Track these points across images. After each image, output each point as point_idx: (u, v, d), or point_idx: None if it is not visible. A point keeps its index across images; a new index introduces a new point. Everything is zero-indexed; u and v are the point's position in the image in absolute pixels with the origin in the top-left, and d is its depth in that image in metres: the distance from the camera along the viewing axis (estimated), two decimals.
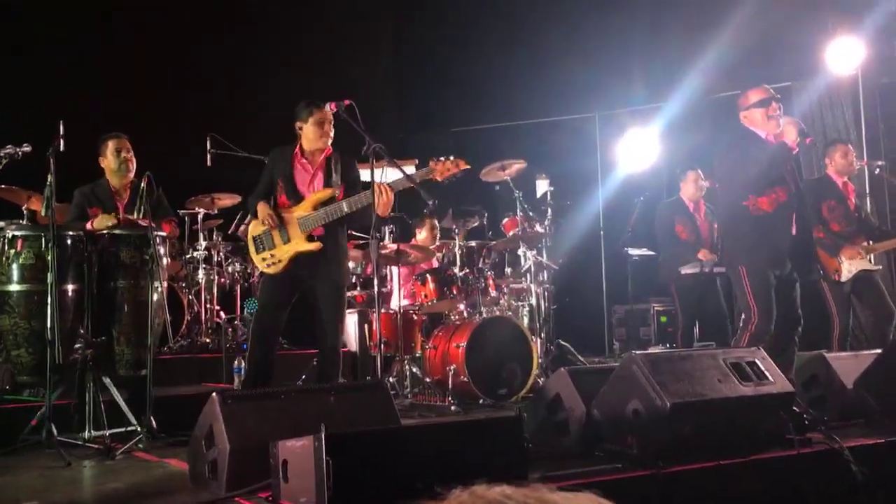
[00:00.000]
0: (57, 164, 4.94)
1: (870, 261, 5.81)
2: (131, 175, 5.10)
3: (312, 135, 4.71)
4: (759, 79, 8.73)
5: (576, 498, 0.74)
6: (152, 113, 7.46)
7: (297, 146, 4.79)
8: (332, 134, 4.75)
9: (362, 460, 2.64)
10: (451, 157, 4.66)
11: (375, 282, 4.47)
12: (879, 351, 4.44)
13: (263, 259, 4.73)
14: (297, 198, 4.74)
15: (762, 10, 8.34)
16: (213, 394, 3.06)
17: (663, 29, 9.31)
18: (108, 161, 5.05)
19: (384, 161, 4.46)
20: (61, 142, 5.17)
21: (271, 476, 2.88)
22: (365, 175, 4.75)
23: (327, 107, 4.62)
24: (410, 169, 7.50)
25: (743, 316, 4.57)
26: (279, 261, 4.69)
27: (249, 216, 5.00)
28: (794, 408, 3.64)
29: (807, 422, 3.68)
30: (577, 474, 3.14)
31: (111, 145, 5.06)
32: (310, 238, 4.68)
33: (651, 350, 7.56)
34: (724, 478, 3.30)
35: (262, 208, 4.72)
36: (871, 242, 5.85)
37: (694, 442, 3.33)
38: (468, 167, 4.79)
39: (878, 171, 6.36)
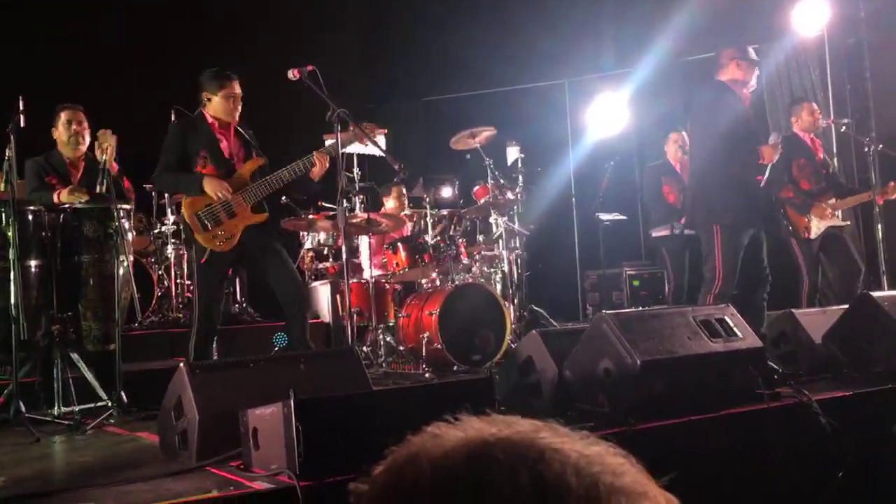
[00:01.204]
0: (17, 140, 4.86)
1: (838, 217, 5.86)
2: (83, 147, 4.97)
3: (220, 107, 4.57)
4: (726, 41, 8.76)
5: (584, 446, 0.72)
6: (118, 86, 7.32)
7: (207, 116, 4.61)
8: (239, 108, 4.63)
9: (332, 425, 2.63)
10: (366, 123, 4.66)
11: (344, 251, 4.42)
12: (846, 306, 4.48)
13: (214, 237, 4.46)
14: (228, 168, 4.56)
15: None
16: (181, 364, 3.02)
17: None
18: (60, 132, 4.94)
19: (356, 130, 4.38)
20: (21, 117, 5.07)
21: (241, 444, 2.86)
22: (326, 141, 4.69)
23: (235, 81, 4.57)
24: (379, 138, 7.46)
25: (707, 276, 4.59)
26: (231, 236, 4.49)
27: (178, 191, 4.70)
28: (764, 363, 3.67)
29: (776, 377, 3.72)
30: None
31: (63, 116, 4.94)
32: (255, 209, 4.57)
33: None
34: (695, 433, 3.32)
35: (212, 181, 4.45)
36: (838, 199, 5.90)
37: (665, 399, 3.36)
38: (383, 131, 4.76)
39: (843, 128, 6.40)
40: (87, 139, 4.98)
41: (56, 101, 5.23)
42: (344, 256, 4.42)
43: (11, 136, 4.75)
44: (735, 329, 3.62)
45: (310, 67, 4.21)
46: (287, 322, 4.67)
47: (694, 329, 3.53)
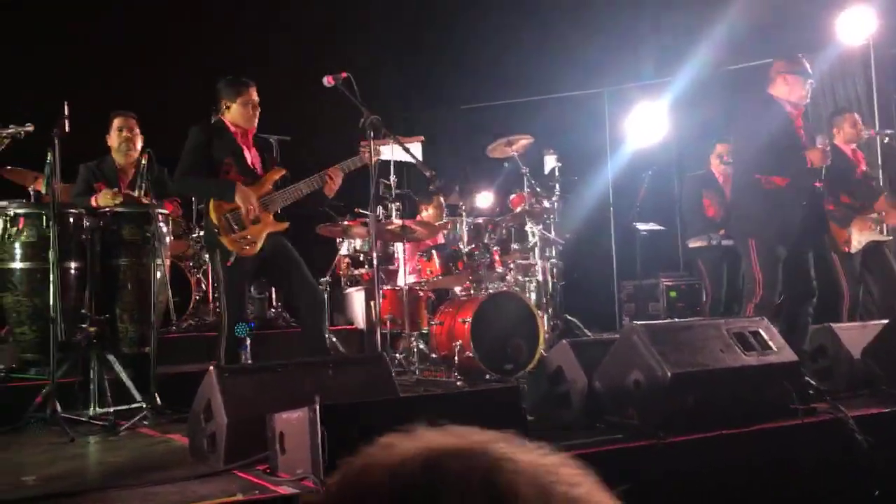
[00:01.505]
0: (62, 144, 4.95)
1: (880, 231, 5.74)
2: (134, 154, 5.09)
3: (239, 115, 4.59)
4: (768, 51, 8.65)
5: (539, 457, 0.73)
6: (161, 92, 7.44)
7: (228, 123, 4.62)
8: (258, 115, 4.65)
9: (358, 431, 2.63)
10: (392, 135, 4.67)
11: (375, 259, 4.43)
12: (886, 321, 4.39)
13: (236, 241, 4.47)
14: (253, 176, 4.59)
15: None
16: (211, 367, 3.06)
17: (672, 1, 9.20)
18: (112, 138, 5.09)
19: (388, 137, 4.41)
20: (66, 122, 5.18)
21: (268, 448, 2.88)
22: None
23: (253, 88, 4.59)
24: (416, 146, 7.48)
25: (748, 287, 4.55)
26: (254, 241, 4.51)
27: (209, 196, 4.57)
28: (799, 377, 3.61)
29: (811, 392, 3.65)
30: (577, 445, 3.12)
31: (115, 123, 5.09)
32: (276, 217, 4.59)
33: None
34: (726, 448, 3.28)
35: (243, 190, 4.45)
36: (881, 213, 5.78)
37: (696, 412, 3.31)
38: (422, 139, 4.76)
39: (887, 139, 6.27)
40: (139, 146, 5.09)
41: (98, 106, 5.33)
42: (375, 263, 4.43)
43: (55, 140, 4.86)
44: (770, 342, 3.57)
45: (344, 74, 4.24)
46: (304, 330, 4.71)
47: (727, 342, 3.49)
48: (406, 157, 5.07)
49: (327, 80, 4.27)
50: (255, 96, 4.64)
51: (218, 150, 4.56)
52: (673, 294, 8.16)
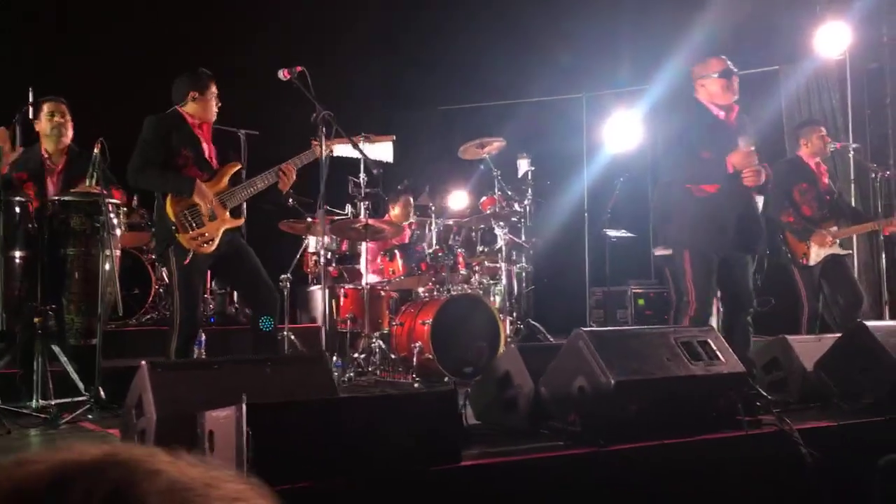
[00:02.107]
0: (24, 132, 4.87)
1: (839, 245, 5.73)
2: (66, 140, 4.86)
3: (204, 108, 4.52)
4: (746, 62, 8.66)
5: (200, 472, 0.68)
6: (123, 81, 7.35)
7: (186, 115, 4.52)
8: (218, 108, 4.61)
9: (287, 432, 2.58)
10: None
11: (322, 257, 4.37)
12: (840, 335, 4.37)
13: (194, 238, 4.36)
14: (209, 170, 4.51)
15: None
16: (143, 362, 2.99)
17: (651, 9, 9.20)
18: (42, 125, 4.82)
19: (342, 137, 4.35)
20: (30, 109, 5.09)
21: (198, 446, 2.81)
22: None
23: (213, 80, 4.55)
24: (386, 145, 7.42)
25: (682, 300, 4.48)
26: (211, 239, 4.41)
27: (166, 190, 4.45)
28: (746, 389, 3.58)
29: (759, 403, 3.62)
30: (516, 451, 3.09)
31: (45, 108, 4.82)
32: (233, 213, 4.51)
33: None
34: (669, 457, 3.23)
35: (202, 187, 4.37)
36: (840, 227, 5.77)
37: (639, 421, 3.27)
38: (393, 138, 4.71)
39: (851, 153, 6.27)
40: (70, 132, 4.91)
41: (57, 94, 5.21)
42: (323, 261, 4.41)
43: (17, 128, 4.77)
44: (718, 353, 3.53)
45: (299, 68, 4.18)
46: (256, 312, 4.60)
47: (674, 351, 3.45)
48: (380, 156, 5.04)
49: (283, 74, 4.22)
50: (215, 89, 4.58)
51: (176, 142, 4.45)
52: (641, 301, 8.15)
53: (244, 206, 4.70)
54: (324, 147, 4.22)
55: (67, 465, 0.65)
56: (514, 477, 2.94)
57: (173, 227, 4.34)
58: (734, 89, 4.53)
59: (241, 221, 4.54)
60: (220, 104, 4.62)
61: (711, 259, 4.42)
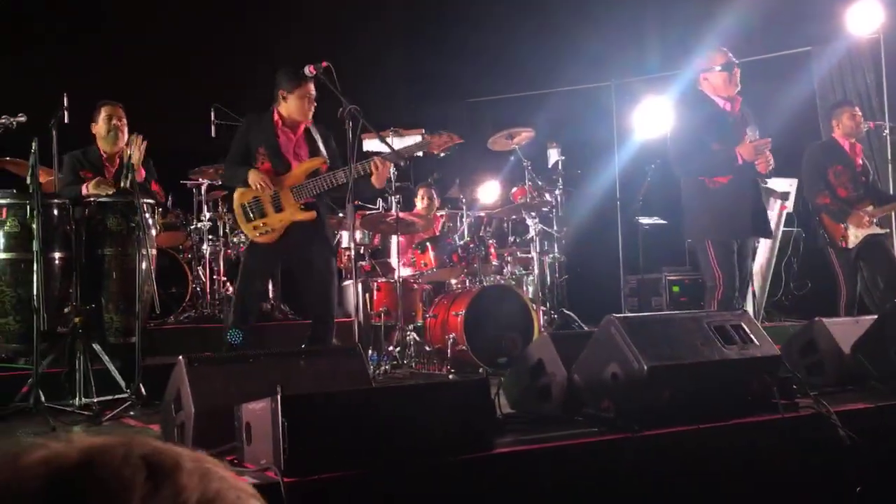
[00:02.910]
0: (58, 135, 4.96)
1: (877, 225, 5.65)
2: (121, 143, 5.07)
3: (294, 107, 4.63)
4: (777, 44, 8.55)
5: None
6: (156, 83, 7.46)
7: (276, 113, 4.68)
8: (313, 109, 4.67)
9: (321, 422, 2.62)
10: (445, 132, 4.65)
11: (352, 251, 4.41)
12: (877, 316, 4.32)
13: (255, 227, 4.61)
14: (284, 166, 4.63)
15: None
16: (180, 357, 3.04)
17: None
18: (100, 127, 5.06)
19: (365, 126, 4.39)
20: (65, 113, 5.20)
21: (236, 439, 2.87)
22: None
23: (311, 82, 4.58)
24: (416, 137, 7.45)
25: (708, 285, 4.61)
26: (272, 230, 4.60)
27: (230, 183, 4.81)
28: (781, 371, 3.56)
29: (795, 386, 3.59)
30: (551, 438, 3.10)
31: (103, 112, 5.06)
32: (303, 207, 4.61)
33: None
34: (703, 442, 3.22)
35: (257, 175, 4.56)
36: (876, 207, 5.69)
37: (673, 406, 3.27)
38: (461, 141, 4.77)
39: (887, 133, 6.17)
40: (126, 135, 5.08)
41: (95, 98, 5.34)
42: (352, 255, 4.45)
43: (54, 132, 4.87)
44: (752, 336, 3.51)
45: (325, 63, 4.23)
46: (312, 325, 4.79)
47: (707, 335, 3.43)
48: (403, 156, 5.06)
49: (308, 70, 4.28)
50: (312, 90, 4.65)
51: (254, 140, 4.67)
52: (676, 289, 8.10)
53: (322, 203, 4.74)
54: (353, 142, 4.27)
55: (97, 441, 0.68)
56: (548, 464, 2.95)
57: (238, 217, 4.65)
58: (736, 81, 4.68)
59: (312, 215, 4.60)
60: (314, 104, 4.68)
61: (731, 244, 4.57)
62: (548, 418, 3.55)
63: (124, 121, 5.15)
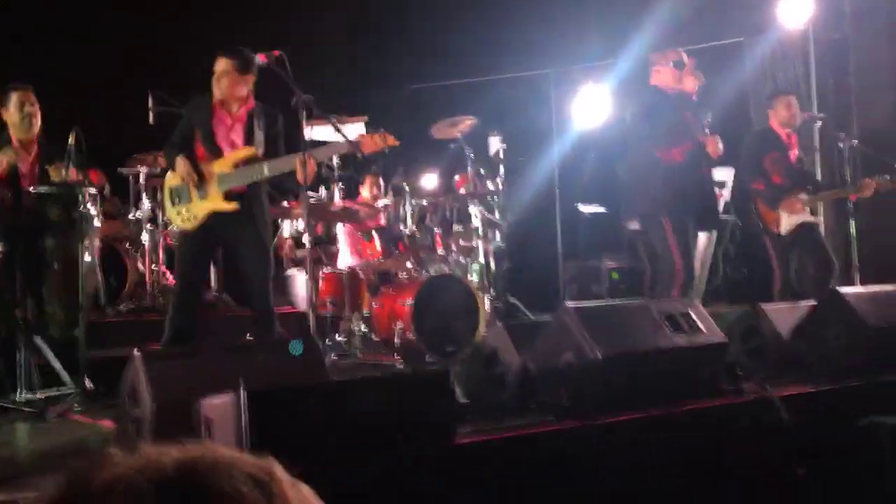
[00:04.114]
0: None
1: (811, 212, 5.85)
2: (35, 129, 4.71)
3: (215, 87, 4.52)
4: (710, 34, 8.75)
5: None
6: (91, 69, 7.25)
7: (213, 96, 4.57)
8: (242, 89, 4.52)
9: (283, 416, 2.61)
10: (381, 132, 4.60)
11: (307, 240, 4.39)
12: (814, 302, 4.48)
13: (178, 213, 4.54)
14: (216, 152, 4.52)
15: None
16: (135, 351, 3.00)
17: None
18: (11, 114, 4.62)
19: (318, 115, 4.34)
20: None
21: (195, 434, 2.83)
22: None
23: (232, 61, 4.46)
24: (359, 126, 7.41)
25: (660, 270, 4.67)
26: (194, 216, 4.49)
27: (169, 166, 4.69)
28: (727, 358, 3.67)
29: (740, 371, 3.71)
30: (507, 428, 3.15)
31: (14, 97, 4.59)
32: (227, 196, 4.48)
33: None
34: (655, 428, 3.32)
35: (182, 163, 4.44)
36: (810, 195, 5.89)
37: (626, 393, 3.35)
38: (396, 143, 4.71)
39: (819, 123, 6.38)
40: (38, 121, 4.76)
41: (10, 79, 5.02)
42: (308, 245, 4.38)
43: None
44: (699, 324, 3.61)
45: (276, 52, 4.15)
46: (254, 316, 4.69)
47: (657, 323, 3.53)
48: (329, 153, 5.04)
49: (260, 59, 4.18)
50: (221, 66, 4.48)
51: (195, 122, 4.61)
52: (615, 275, 8.24)
53: (255, 192, 4.61)
54: (303, 131, 4.22)
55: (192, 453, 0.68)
56: (508, 453, 3.00)
57: (164, 200, 4.64)
58: (692, 76, 4.93)
59: (233, 206, 4.47)
60: (232, 81, 4.51)
61: (688, 225, 4.64)
62: (503, 407, 3.60)
63: (37, 106, 4.75)
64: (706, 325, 3.61)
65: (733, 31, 8.99)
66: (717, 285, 7.28)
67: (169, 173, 4.65)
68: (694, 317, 3.61)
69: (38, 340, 4.27)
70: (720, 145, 4.74)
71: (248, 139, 4.57)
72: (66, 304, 4.28)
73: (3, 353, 4.19)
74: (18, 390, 4.14)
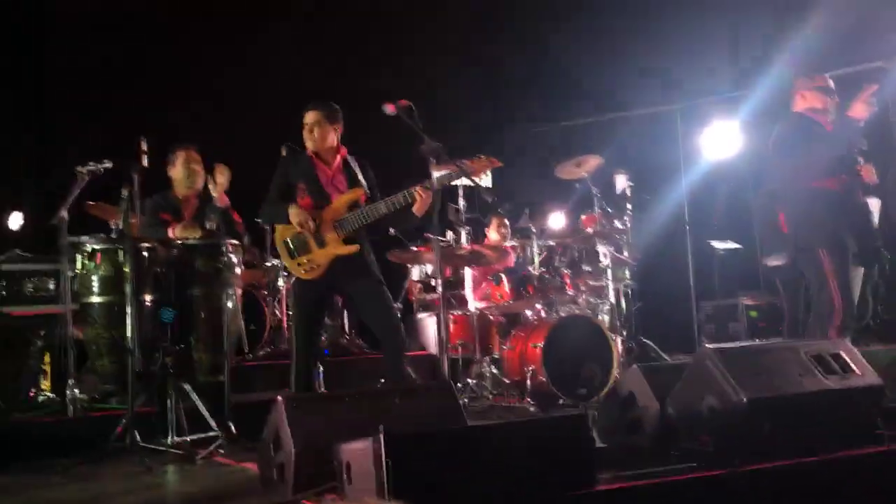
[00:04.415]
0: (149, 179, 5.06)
1: None
2: (198, 185, 5.11)
3: (307, 139, 4.65)
4: (850, 61, 8.40)
5: None
6: (231, 124, 7.62)
7: (308, 147, 4.69)
8: (333, 139, 4.66)
9: (422, 462, 2.62)
10: (482, 155, 4.60)
11: (439, 285, 4.40)
12: None
13: (299, 264, 4.53)
14: (325, 199, 4.60)
15: None
16: (279, 397, 3.09)
17: (746, 13, 9.03)
18: (178, 171, 5.07)
19: (445, 161, 4.38)
20: (144, 157, 5.31)
21: (336, 478, 2.89)
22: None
23: (309, 112, 4.62)
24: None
25: (819, 310, 4.38)
26: (317, 265, 4.52)
27: (270, 221, 4.78)
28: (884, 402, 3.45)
29: None
30: (649, 474, 3.05)
31: (181, 156, 5.09)
32: (346, 241, 4.57)
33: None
34: (806, 477, 3.14)
35: (298, 212, 4.50)
36: None
37: (774, 439, 3.19)
38: (500, 164, 4.71)
39: None
40: (202, 178, 5.14)
41: (172, 139, 5.41)
42: (440, 290, 4.39)
43: (134, 176, 4.97)
44: (852, 365, 3.42)
45: (404, 102, 4.23)
46: (384, 355, 4.71)
47: (806, 365, 3.36)
48: (444, 182, 5.07)
49: (388, 109, 4.26)
50: (309, 119, 4.65)
51: (294, 176, 4.67)
52: (753, 314, 7.93)
53: (366, 233, 4.69)
54: (433, 178, 4.28)
55: None
56: (652, 499, 2.90)
57: (281, 254, 4.60)
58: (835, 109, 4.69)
59: (354, 248, 4.54)
60: (320, 131, 4.66)
61: (848, 256, 4.40)
62: (641, 452, 3.50)
63: (201, 165, 5.21)
64: (860, 367, 3.41)
65: (872, 55, 8.62)
66: (866, 324, 6.89)
67: (279, 228, 4.63)
68: (846, 357, 3.42)
69: (186, 386, 4.46)
70: (875, 175, 4.48)
71: (352, 183, 4.69)
72: (212, 350, 4.47)
73: (157, 400, 4.40)
74: (169, 434, 4.33)
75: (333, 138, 4.69)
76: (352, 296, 4.77)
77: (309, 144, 4.68)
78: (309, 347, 4.57)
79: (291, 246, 4.57)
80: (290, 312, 4.73)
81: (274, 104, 7.87)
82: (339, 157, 4.73)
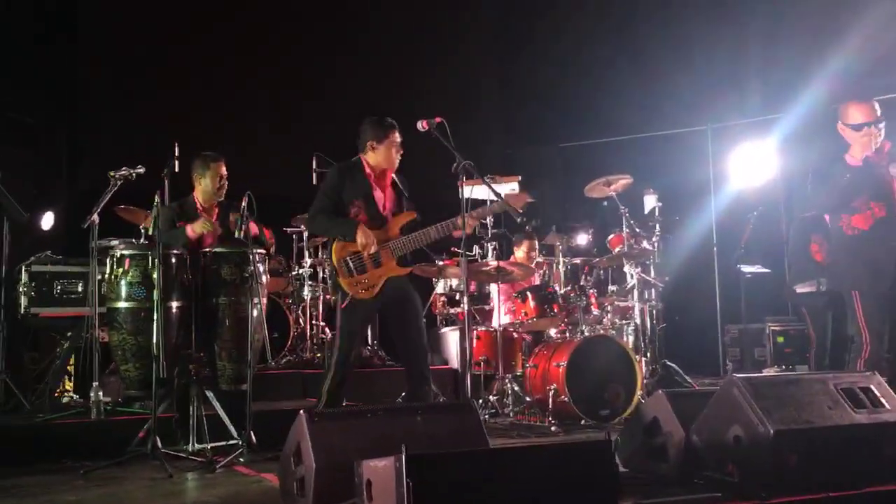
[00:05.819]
0: (171, 184, 5.09)
1: None
2: (222, 195, 5.07)
3: (384, 156, 4.63)
4: (887, 86, 8.30)
5: None
6: (258, 130, 7.68)
7: (365, 164, 4.67)
8: (399, 157, 4.69)
9: (444, 482, 2.59)
10: (517, 185, 4.64)
11: (465, 304, 4.40)
12: None
13: (356, 283, 4.53)
14: (380, 220, 4.63)
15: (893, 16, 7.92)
16: (301, 411, 3.08)
17: (780, 36, 8.96)
18: (207, 182, 5.01)
19: (477, 179, 4.39)
20: (176, 163, 5.33)
21: (356, 494, 2.87)
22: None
23: (397, 130, 4.62)
24: (512, 185, 7.45)
25: (853, 342, 4.35)
26: (373, 286, 4.55)
27: (328, 234, 4.74)
28: None
29: None
30: (672, 502, 3.01)
31: (213, 168, 5.01)
32: (400, 262, 4.62)
33: (766, 372, 7.23)
34: None
35: (365, 232, 4.49)
36: None
37: (801, 472, 3.13)
38: (532, 201, 4.73)
39: None
40: (225, 189, 5.11)
41: (203, 146, 5.40)
42: (465, 307, 4.39)
43: (166, 181, 4.98)
44: (882, 399, 3.35)
45: (438, 119, 4.24)
46: (409, 380, 4.72)
47: (835, 398, 3.30)
48: (488, 213, 5.08)
49: (421, 125, 4.28)
50: (398, 138, 4.67)
51: (349, 191, 4.64)
52: (780, 339, 7.84)
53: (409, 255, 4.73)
54: (464, 196, 4.28)
55: None
56: None
57: (336, 273, 4.57)
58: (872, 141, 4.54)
59: (408, 270, 4.62)
60: (401, 152, 4.69)
61: (880, 296, 4.34)
62: (664, 479, 3.46)
63: (226, 175, 5.16)
64: (890, 401, 3.35)
65: None
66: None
67: (337, 244, 4.59)
68: (876, 391, 3.36)
69: (209, 393, 4.47)
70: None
71: (400, 202, 4.70)
72: (236, 359, 4.48)
73: (179, 406, 4.42)
74: (191, 440, 4.34)
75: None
76: (390, 315, 4.77)
77: (382, 162, 4.65)
78: (349, 362, 4.61)
79: (351, 265, 4.55)
80: (335, 324, 4.71)
81: (300, 115, 7.94)
82: (390, 176, 4.74)
